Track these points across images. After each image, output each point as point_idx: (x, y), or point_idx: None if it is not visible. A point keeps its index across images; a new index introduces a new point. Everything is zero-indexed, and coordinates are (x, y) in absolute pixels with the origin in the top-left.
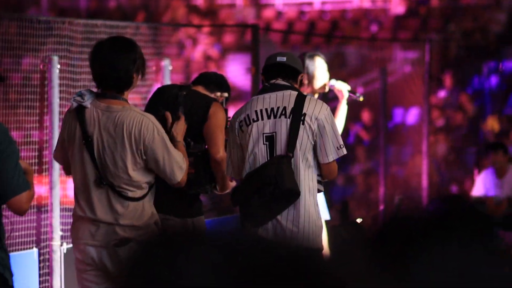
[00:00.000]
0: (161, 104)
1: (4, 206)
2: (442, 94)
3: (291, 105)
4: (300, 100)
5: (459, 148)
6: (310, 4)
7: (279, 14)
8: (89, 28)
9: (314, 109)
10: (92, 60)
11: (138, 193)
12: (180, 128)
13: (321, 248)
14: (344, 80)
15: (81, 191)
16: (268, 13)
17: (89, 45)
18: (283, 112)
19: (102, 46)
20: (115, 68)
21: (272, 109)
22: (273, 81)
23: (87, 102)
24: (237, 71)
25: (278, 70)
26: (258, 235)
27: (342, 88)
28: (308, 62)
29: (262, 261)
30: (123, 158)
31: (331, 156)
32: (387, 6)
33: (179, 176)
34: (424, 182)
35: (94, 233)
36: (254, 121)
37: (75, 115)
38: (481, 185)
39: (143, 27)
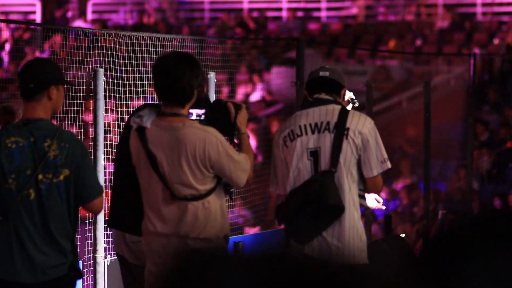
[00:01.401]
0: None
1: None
2: (486, 108)
3: (335, 119)
4: (344, 114)
5: (503, 162)
6: (354, 17)
7: (324, 27)
8: (134, 40)
9: (358, 123)
10: (156, 72)
11: (207, 203)
12: (243, 117)
13: (367, 263)
14: (389, 94)
15: (151, 208)
16: (313, 26)
17: (134, 57)
18: (327, 127)
19: (167, 59)
20: (179, 80)
21: (316, 124)
22: (317, 95)
23: (147, 122)
24: (281, 84)
25: (322, 85)
26: (303, 253)
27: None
28: None
29: (307, 281)
30: (189, 175)
31: (376, 170)
32: (432, 20)
33: (244, 179)
34: (468, 196)
35: (166, 246)
36: (298, 136)
37: (137, 136)
38: None
39: (188, 40)
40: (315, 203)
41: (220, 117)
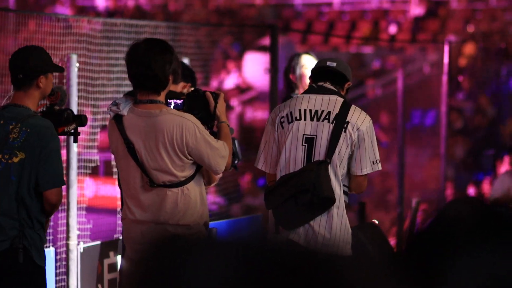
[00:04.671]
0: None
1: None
2: (460, 96)
3: (336, 111)
4: (346, 107)
5: (477, 150)
6: (329, 4)
7: (298, 14)
8: (107, 27)
9: (357, 119)
10: (129, 60)
11: (186, 190)
12: (221, 105)
13: (350, 255)
14: (363, 81)
15: (130, 196)
16: (287, 13)
17: (108, 43)
18: (327, 117)
19: (139, 47)
20: (151, 67)
21: (316, 111)
22: (321, 83)
23: (124, 110)
24: (255, 71)
25: (327, 75)
26: (288, 238)
27: None
28: (295, 62)
29: (289, 268)
30: (167, 161)
31: (365, 169)
32: (406, 7)
33: (223, 165)
34: (442, 184)
35: (145, 233)
36: (296, 119)
37: (115, 125)
38: (499, 187)
39: (162, 26)
40: (309, 193)
41: (199, 106)
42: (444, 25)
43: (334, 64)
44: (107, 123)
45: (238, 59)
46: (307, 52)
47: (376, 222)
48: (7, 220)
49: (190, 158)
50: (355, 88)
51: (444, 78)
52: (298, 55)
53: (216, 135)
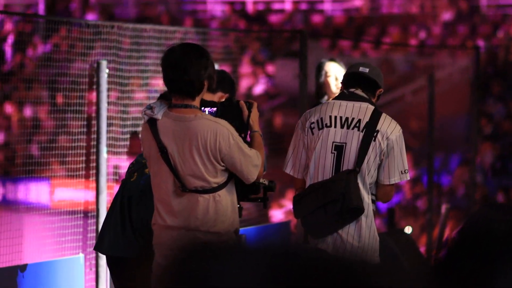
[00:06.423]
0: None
1: None
2: (490, 101)
3: (366, 119)
4: (376, 116)
5: (507, 156)
6: (358, 10)
7: (327, 19)
8: (137, 32)
9: (388, 128)
10: (164, 65)
11: (218, 197)
12: (255, 115)
13: (379, 263)
14: (392, 87)
15: (161, 201)
16: (316, 19)
17: (138, 49)
18: (357, 125)
19: (175, 51)
20: (187, 72)
21: (346, 118)
22: (353, 90)
23: (158, 114)
24: (285, 77)
25: (359, 80)
26: (317, 247)
27: None
28: (319, 69)
29: (319, 276)
30: (200, 166)
31: (393, 178)
32: (436, 12)
33: (255, 174)
34: (471, 190)
35: (176, 239)
36: (327, 126)
37: (148, 128)
38: None
39: (191, 32)
40: (338, 203)
41: (233, 115)
42: (474, 30)
43: (367, 70)
44: (137, 129)
45: (267, 65)
46: (332, 59)
47: (410, 229)
48: (138, 224)
49: (222, 164)
50: (384, 93)
51: (474, 83)
52: (323, 62)
53: (249, 144)
